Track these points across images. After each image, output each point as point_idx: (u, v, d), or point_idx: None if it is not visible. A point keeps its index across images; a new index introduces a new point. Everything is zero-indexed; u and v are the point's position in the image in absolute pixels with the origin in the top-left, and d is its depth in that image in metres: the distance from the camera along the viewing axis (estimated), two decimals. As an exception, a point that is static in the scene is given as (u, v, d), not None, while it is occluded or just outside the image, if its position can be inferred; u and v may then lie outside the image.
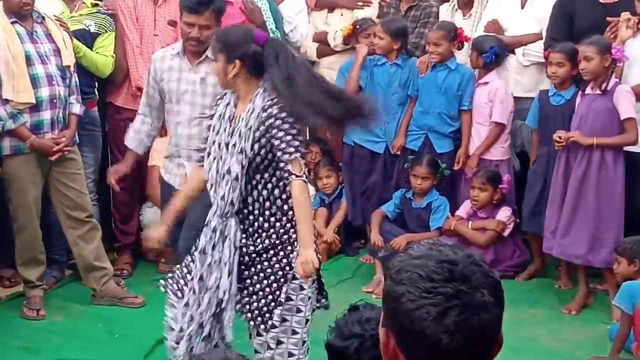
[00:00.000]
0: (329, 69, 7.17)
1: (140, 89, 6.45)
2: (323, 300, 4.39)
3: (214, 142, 4.23)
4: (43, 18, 5.75)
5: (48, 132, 5.67)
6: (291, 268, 4.16)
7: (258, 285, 4.22)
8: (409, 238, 6.42)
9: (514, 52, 6.65)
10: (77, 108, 5.83)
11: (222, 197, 4.15)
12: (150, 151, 6.46)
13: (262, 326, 4.20)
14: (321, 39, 7.28)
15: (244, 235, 4.20)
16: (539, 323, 5.83)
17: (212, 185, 4.22)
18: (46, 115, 5.64)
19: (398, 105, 6.81)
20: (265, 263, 4.20)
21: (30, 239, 5.80)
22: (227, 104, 4.25)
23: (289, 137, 4.03)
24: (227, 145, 4.15)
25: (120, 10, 6.47)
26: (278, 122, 4.03)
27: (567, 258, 6.00)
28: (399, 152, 6.80)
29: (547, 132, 6.23)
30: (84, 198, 5.90)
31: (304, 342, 4.22)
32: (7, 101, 5.55)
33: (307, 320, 4.22)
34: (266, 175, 4.14)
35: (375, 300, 3.74)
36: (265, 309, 4.20)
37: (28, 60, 5.58)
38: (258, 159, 4.11)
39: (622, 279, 5.38)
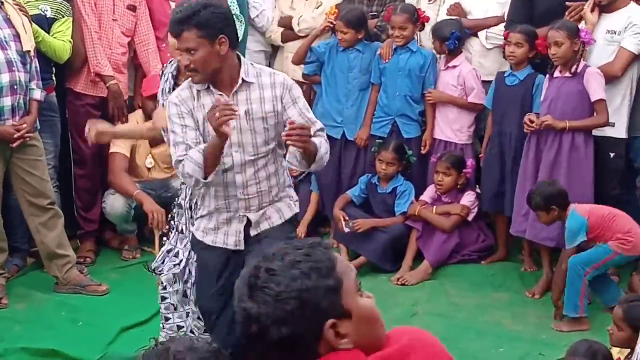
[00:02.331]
0: (294, 54, 7.16)
1: (98, 75, 6.42)
2: None
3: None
4: (2, 3, 5.69)
5: (9, 118, 5.61)
6: None
7: None
8: (375, 223, 6.46)
9: (477, 35, 6.67)
10: (37, 94, 5.77)
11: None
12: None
13: None
14: (286, 24, 7.25)
15: None
16: (503, 307, 5.86)
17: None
18: (7, 101, 5.58)
19: (359, 91, 6.80)
20: None
21: (-9, 227, 5.74)
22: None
23: None
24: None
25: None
26: None
27: (540, 241, 6.03)
28: (363, 144, 6.77)
29: (499, 112, 6.34)
30: (46, 185, 5.85)
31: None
32: (-34, 88, 5.48)
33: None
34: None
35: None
36: None
37: (-13, 46, 5.52)
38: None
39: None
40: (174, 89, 4.21)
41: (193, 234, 4.40)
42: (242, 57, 4.17)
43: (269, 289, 1.88)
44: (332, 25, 6.74)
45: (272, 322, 1.88)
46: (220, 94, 4.06)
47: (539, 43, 6.12)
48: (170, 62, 4.49)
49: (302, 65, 6.94)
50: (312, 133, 4.01)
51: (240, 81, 4.08)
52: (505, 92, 6.31)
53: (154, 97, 6.40)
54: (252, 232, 4.28)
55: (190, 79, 4.11)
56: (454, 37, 6.44)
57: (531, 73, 6.23)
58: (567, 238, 5.49)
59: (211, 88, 4.10)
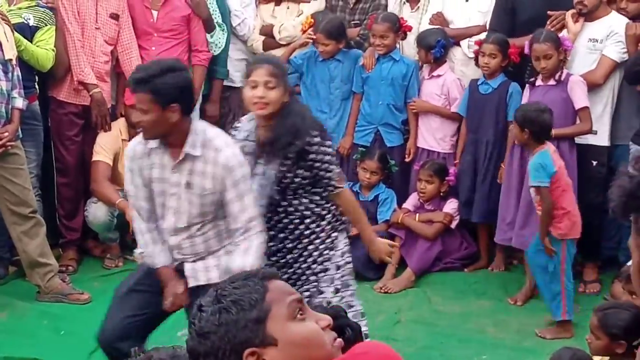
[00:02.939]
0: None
1: (82, 83, 6.40)
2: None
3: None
4: (-17, 11, 5.66)
5: (-10, 127, 5.58)
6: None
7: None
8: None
9: (459, 45, 6.69)
10: (19, 102, 5.75)
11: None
12: (95, 145, 6.42)
13: None
14: (267, 32, 7.26)
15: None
16: (486, 314, 5.88)
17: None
18: (-12, 110, 5.56)
19: (341, 100, 6.83)
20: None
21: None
22: (247, 136, 4.47)
23: None
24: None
25: (61, 3, 6.37)
26: None
27: (527, 248, 6.04)
28: (346, 153, 6.79)
29: (474, 120, 6.41)
30: (28, 193, 5.82)
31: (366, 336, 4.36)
32: (-53, 94, 5.46)
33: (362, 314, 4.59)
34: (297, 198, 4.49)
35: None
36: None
37: (-32, 54, 5.49)
38: (293, 185, 4.47)
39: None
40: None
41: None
42: (193, 126, 4.12)
43: (194, 324, 1.98)
44: (312, 39, 6.75)
45: (198, 355, 1.97)
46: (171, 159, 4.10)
47: (511, 52, 6.17)
48: (251, 118, 4.57)
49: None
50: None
51: (183, 155, 4.07)
52: (479, 100, 6.37)
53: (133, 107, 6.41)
54: (191, 283, 4.23)
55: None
56: (440, 45, 6.47)
57: (504, 81, 6.30)
58: (532, 172, 5.43)
59: (160, 147, 4.12)
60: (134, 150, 4.21)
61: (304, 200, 4.45)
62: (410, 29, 6.69)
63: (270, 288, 1.99)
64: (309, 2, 7.19)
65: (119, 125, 6.55)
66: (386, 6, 7.03)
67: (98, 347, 5.04)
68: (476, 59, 6.37)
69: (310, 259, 4.50)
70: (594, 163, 6.12)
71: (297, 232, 4.49)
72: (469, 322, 5.76)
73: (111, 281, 6.25)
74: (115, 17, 6.54)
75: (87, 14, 6.45)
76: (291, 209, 4.46)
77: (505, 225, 6.10)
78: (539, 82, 5.97)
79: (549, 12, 6.15)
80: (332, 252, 4.52)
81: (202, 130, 4.12)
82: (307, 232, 4.49)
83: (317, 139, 4.32)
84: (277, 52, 7.09)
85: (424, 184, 6.54)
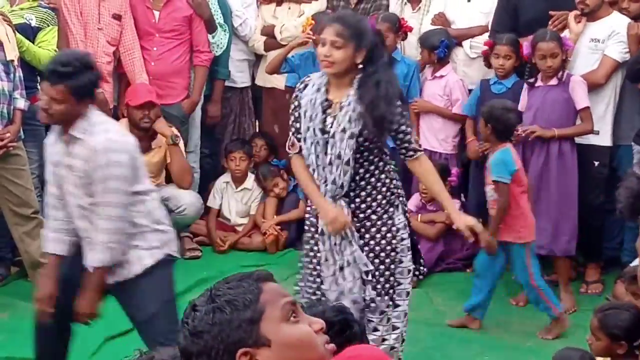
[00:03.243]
0: (268, 64, 7.16)
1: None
2: (422, 268, 4.61)
3: (308, 129, 4.30)
4: (-16, 12, 5.67)
5: (-8, 128, 5.59)
6: (396, 252, 4.36)
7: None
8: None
9: (461, 45, 6.69)
10: (21, 103, 5.76)
11: (333, 182, 4.26)
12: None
13: (376, 313, 4.38)
14: (268, 33, 7.26)
15: (353, 211, 4.34)
16: (488, 315, 5.85)
17: (314, 169, 4.33)
18: (-10, 110, 5.57)
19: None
20: (373, 242, 4.35)
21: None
22: (318, 90, 4.30)
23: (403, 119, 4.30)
24: (323, 131, 4.25)
25: (63, 4, 6.39)
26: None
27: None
28: None
29: None
30: (30, 194, 5.83)
31: (405, 313, 4.46)
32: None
33: (407, 293, 4.45)
34: (372, 152, 4.29)
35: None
36: (386, 285, 4.37)
37: (-30, 55, 5.50)
38: (367, 143, 4.23)
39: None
40: (326, 101, 4.30)
41: None
42: (88, 113, 4.15)
43: (188, 324, 2.00)
44: (311, 39, 6.74)
45: (191, 355, 1.99)
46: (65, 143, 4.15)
47: (522, 52, 6.16)
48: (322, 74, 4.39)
49: (285, 75, 6.96)
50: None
51: (68, 137, 4.14)
52: (491, 100, 6.32)
53: (140, 107, 6.41)
54: (110, 280, 4.25)
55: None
56: (444, 45, 6.48)
57: (517, 81, 6.27)
58: (493, 168, 5.48)
59: (59, 135, 4.19)
60: (49, 139, 4.33)
61: (370, 167, 4.33)
62: (410, 29, 6.69)
63: (264, 289, 2.01)
64: (310, 2, 7.19)
65: (122, 125, 6.55)
66: (387, 6, 7.04)
67: (100, 347, 5.07)
68: (486, 60, 6.34)
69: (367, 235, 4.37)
70: (596, 163, 6.11)
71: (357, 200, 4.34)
72: (471, 323, 5.76)
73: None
74: (117, 17, 6.54)
75: (90, 15, 6.46)
76: (361, 172, 4.32)
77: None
78: (539, 83, 5.96)
79: (550, 12, 6.14)
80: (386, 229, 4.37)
81: (94, 118, 4.18)
82: (363, 205, 4.34)
83: (399, 106, 4.29)
84: (279, 53, 7.10)
85: (424, 184, 6.52)
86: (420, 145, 4.56)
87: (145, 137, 6.45)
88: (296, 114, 4.38)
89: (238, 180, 7.20)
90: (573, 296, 6.00)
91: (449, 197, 4.63)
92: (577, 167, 5.96)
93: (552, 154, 5.90)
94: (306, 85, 4.36)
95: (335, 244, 4.35)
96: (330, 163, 4.25)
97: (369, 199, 4.33)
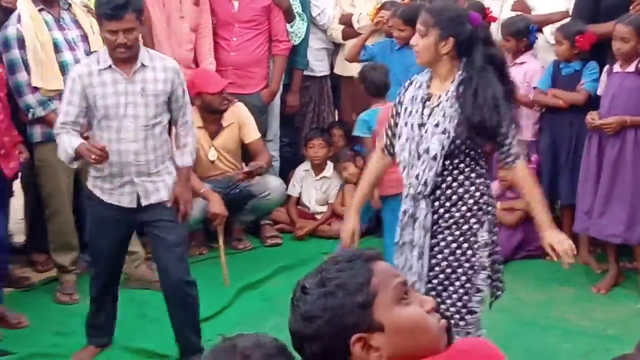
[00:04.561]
0: (348, 51, 7.20)
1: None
2: (498, 290, 4.32)
3: (405, 124, 4.17)
4: (69, 4, 5.80)
5: (78, 118, 5.72)
6: (476, 257, 4.11)
7: (443, 276, 4.14)
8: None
9: (541, 31, 6.63)
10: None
11: (417, 177, 4.10)
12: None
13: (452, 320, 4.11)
14: (346, 21, 7.29)
15: (434, 218, 4.13)
16: (569, 302, 5.83)
17: (404, 167, 4.18)
18: (76, 101, 5.69)
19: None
20: (451, 257, 4.12)
21: (63, 225, 5.87)
22: (419, 86, 4.19)
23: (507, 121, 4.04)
24: (420, 125, 4.10)
25: (147, -5, 6.49)
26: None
27: (605, 238, 5.99)
28: None
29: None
30: (116, 182, 5.96)
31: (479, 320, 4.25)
32: (36, 89, 5.62)
33: (483, 300, 4.23)
34: (462, 157, 4.08)
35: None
36: (458, 303, 4.15)
37: (56, 47, 5.64)
38: (458, 141, 4.03)
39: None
40: (427, 95, 4.17)
41: (90, 190, 4.89)
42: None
43: (299, 307, 1.97)
44: (383, 20, 6.75)
45: (303, 338, 1.96)
46: (123, 75, 4.65)
47: (578, 39, 6.08)
48: (425, 72, 4.29)
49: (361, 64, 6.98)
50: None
51: (139, 64, 4.66)
52: (561, 82, 6.34)
53: (219, 92, 6.46)
54: (144, 202, 4.80)
55: (93, 57, 4.79)
56: (534, 30, 6.45)
57: (586, 63, 6.26)
58: (358, 124, 6.29)
59: (112, 66, 4.64)
60: (78, 72, 4.71)
61: (457, 174, 4.10)
62: (495, 19, 6.59)
63: (375, 271, 1.96)
64: (388, -10, 7.19)
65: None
66: (467, -9, 6.99)
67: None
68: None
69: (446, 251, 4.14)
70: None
71: (443, 209, 4.12)
72: (551, 310, 5.73)
73: (195, 269, 6.35)
74: (197, 3, 6.62)
75: (173, 4, 6.54)
76: (448, 179, 4.10)
77: (584, 214, 6.04)
78: (617, 69, 5.87)
79: (632, -4, 6.04)
80: (467, 246, 4.11)
81: (144, 48, 4.80)
82: (447, 215, 4.11)
83: (502, 109, 4.02)
84: (356, 41, 7.13)
85: (505, 171, 6.49)
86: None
87: (216, 119, 6.56)
88: (394, 111, 4.27)
89: (317, 168, 7.25)
90: (654, 284, 5.92)
91: (541, 210, 4.19)
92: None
93: (627, 142, 5.81)
94: (411, 83, 4.26)
95: (401, 220, 4.23)
96: (419, 157, 4.08)
97: (453, 208, 4.09)
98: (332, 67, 7.63)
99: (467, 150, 4.06)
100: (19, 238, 6.74)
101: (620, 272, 6.07)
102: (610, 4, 6.15)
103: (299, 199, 7.30)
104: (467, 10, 4.18)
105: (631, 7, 6.00)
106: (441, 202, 4.12)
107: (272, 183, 6.76)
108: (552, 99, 6.38)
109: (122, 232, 4.97)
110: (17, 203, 6.30)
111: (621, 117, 5.77)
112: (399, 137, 4.19)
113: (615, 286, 5.98)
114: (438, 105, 4.08)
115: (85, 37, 5.78)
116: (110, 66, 4.64)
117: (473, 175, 4.10)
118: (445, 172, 4.08)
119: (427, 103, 4.13)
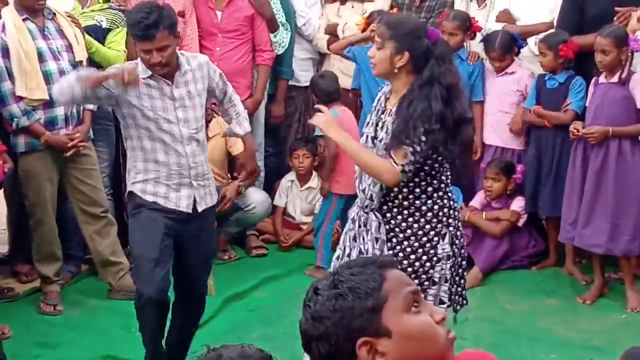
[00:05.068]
0: (339, 61, 7.21)
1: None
2: (463, 301, 4.35)
3: (362, 134, 4.21)
4: (54, 14, 5.79)
5: (62, 128, 5.71)
6: (435, 270, 4.11)
7: None
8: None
9: (526, 42, 6.65)
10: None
11: (364, 191, 4.11)
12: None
13: None
14: (332, 31, 7.30)
15: (388, 228, 4.11)
16: (555, 313, 5.84)
17: (357, 177, 4.19)
18: (60, 111, 5.68)
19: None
20: (410, 269, 4.07)
21: (47, 235, 5.84)
22: (379, 99, 4.20)
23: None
24: (373, 138, 4.11)
25: (130, 4, 6.47)
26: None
27: (588, 248, 5.99)
28: None
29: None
30: (99, 193, 5.93)
31: None
32: (20, 98, 5.60)
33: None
34: (416, 179, 4.05)
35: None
36: None
37: (40, 56, 5.62)
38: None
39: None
40: (383, 112, 4.14)
41: (138, 196, 4.62)
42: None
43: (310, 307, 1.99)
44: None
45: (311, 338, 1.98)
46: (167, 82, 4.53)
47: (561, 48, 6.11)
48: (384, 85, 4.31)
49: (351, 75, 7.02)
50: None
51: (182, 69, 4.57)
52: (546, 95, 6.35)
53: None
54: (199, 208, 4.66)
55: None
56: (518, 37, 6.49)
57: (570, 75, 6.27)
58: None
59: (154, 75, 4.51)
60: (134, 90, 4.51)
61: (413, 188, 4.08)
62: (480, 29, 6.66)
63: (387, 277, 1.98)
64: (374, 1, 7.20)
65: None
66: (452, 4, 7.02)
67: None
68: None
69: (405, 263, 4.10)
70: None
71: (401, 223, 4.11)
72: (537, 321, 5.73)
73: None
74: (181, 14, 6.61)
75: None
76: (402, 192, 4.08)
77: (568, 224, 6.05)
78: (602, 80, 5.89)
79: (616, 8, 6.06)
80: (426, 258, 4.11)
81: (179, 53, 4.68)
82: (403, 224, 4.09)
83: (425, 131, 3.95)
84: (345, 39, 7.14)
85: (491, 182, 6.52)
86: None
87: None
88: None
89: (302, 179, 7.24)
90: (639, 295, 5.92)
91: (349, 144, 4.14)
92: None
93: (611, 152, 5.82)
94: (384, 94, 4.25)
95: (350, 229, 4.20)
96: None
97: (410, 219, 4.08)
98: (317, 76, 7.62)
99: (422, 169, 4.03)
100: (3, 248, 6.71)
101: (605, 282, 6.08)
102: (594, 15, 6.17)
103: (285, 209, 7.28)
104: (425, 24, 4.14)
105: (615, 18, 6.02)
106: (393, 214, 4.11)
107: (258, 197, 6.77)
108: (537, 120, 6.38)
109: (170, 239, 4.65)
110: (0, 213, 6.28)
111: (604, 127, 5.79)
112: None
113: (601, 297, 5.99)
114: (389, 117, 4.08)
115: (69, 47, 5.77)
116: (151, 76, 4.53)
117: (430, 189, 4.09)
118: (396, 188, 4.06)
119: (382, 116, 4.14)
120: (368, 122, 4.20)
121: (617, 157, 5.82)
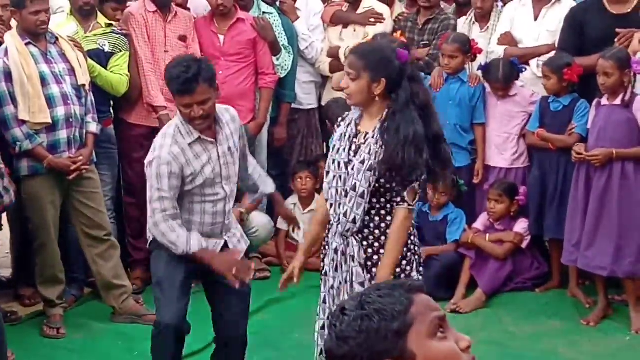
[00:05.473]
0: (334, 80, 7.22)
1: (150, 106, 6.49)
2: None
3: (333, 161, 4.18)
4: (56, 38, 5.80)
5: (65, 151, 5.71)
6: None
7: None
8: (427, 251, 6.42)
9: (528, 64, 6.67)
10: (93, 127, 5.86)
11: (345, 214, 4.10)
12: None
13: None
14: (334, 55, 7.31)
15: (369, 254, 4.14)
16: (558, 335, 5.82)
17: (331, 204, 4.17)
18: (62, 134, 5.69)
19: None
20: None
21: (50, 258, 5.84)
22: (349, 124, 4.18)
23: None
24: (347, 163, 4.10)
25: (132, 29, 6.50)
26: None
27: (592, 270, 5.99)
28: None
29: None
30: (103, 216, 5.94)
31: None
32: (23, 122, 5.61)
33: None
34: (390, 194, 4.07)
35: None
36: None
37: (43, 80, 5.63)
38: (382, 180, 4.03)
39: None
40: (355, 137, 4.16)
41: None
42: None
43: (335, 327, 1.96)
44: None
45: (335, 358, 1.96)
46: (212, 142, 4.45)
47: (566, 72, 6.12)
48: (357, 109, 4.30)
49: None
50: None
51: (221, 124, 4.49)
52: (550, 118, 6.36)
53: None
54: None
55: (171, 131, 4.42)
56: (516, 62, 6.49)
57: (574, 98, 6.27)
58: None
59: (201, 137, 4.41)
60: (172, 153, 4.37)
61: (384, 213, 4.11)
62: (480, 51, 6.68)
63: (415, 301, 1.96)
64: (375, 25, 7.22)
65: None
66: (455, 26, 7.04)
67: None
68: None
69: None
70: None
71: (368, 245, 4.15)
72: (540, 343, 5.71)
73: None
74: (183, 39, 6.63)
75: (157, 38, 6.56)
76: (376, 217, 4.12)
77: (572, 246, 6.04)
78: (605, 102, 5.90)
79: (617, 30, 6.08)
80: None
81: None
82: (382, 251, 4.12)
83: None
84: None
85: (494, 203, 6.52)
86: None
87: None
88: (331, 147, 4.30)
89: (305, 201, 7.24)
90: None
91: (385, 264, 4.10)
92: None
93: (614, 174, 5.82)
94: (343, 120, 4.25)
95: (333, 259, 4.22)
96: (346, 194, 4.08)
97: (377, 244, 4.13)
98: (320, 99, 7.64)
99: (391, 193, 4.06)
100: (6, 272, 6.70)
101: (609, 304, 6.06)
102: (595, 37, 6.19)
103: (288, 232, 7.27)
104: (394, 47, 4.16)
105: (616, 40, 6.04)
106: (370, 241, 4.13)
107: (261, 220, 6.75)
108: (541, 143, 6.39)
109: (190, 280, 4.75)
110: (3, 236, 6.27)
111: (608, 149, 5.80)
112: (327, 174, 4.22)
113: (605, 319, 5.97)
114: (365, 142, 4.08)
115: (72, 71, 5.78)
116: (199, 137, 4.42)
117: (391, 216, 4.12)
118: (373, 211, 4.10)
119: (354, 140, 4.14)
120: (338, 149, 4.18)
121: (621, 179, 5.82)
